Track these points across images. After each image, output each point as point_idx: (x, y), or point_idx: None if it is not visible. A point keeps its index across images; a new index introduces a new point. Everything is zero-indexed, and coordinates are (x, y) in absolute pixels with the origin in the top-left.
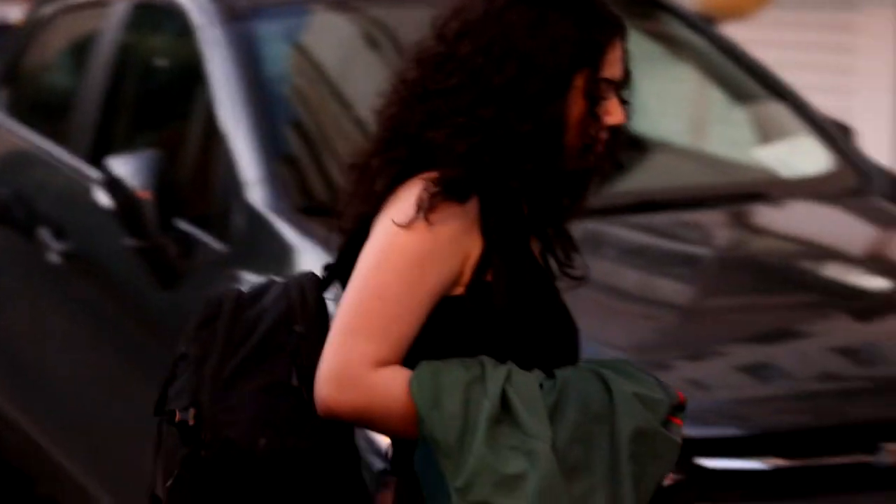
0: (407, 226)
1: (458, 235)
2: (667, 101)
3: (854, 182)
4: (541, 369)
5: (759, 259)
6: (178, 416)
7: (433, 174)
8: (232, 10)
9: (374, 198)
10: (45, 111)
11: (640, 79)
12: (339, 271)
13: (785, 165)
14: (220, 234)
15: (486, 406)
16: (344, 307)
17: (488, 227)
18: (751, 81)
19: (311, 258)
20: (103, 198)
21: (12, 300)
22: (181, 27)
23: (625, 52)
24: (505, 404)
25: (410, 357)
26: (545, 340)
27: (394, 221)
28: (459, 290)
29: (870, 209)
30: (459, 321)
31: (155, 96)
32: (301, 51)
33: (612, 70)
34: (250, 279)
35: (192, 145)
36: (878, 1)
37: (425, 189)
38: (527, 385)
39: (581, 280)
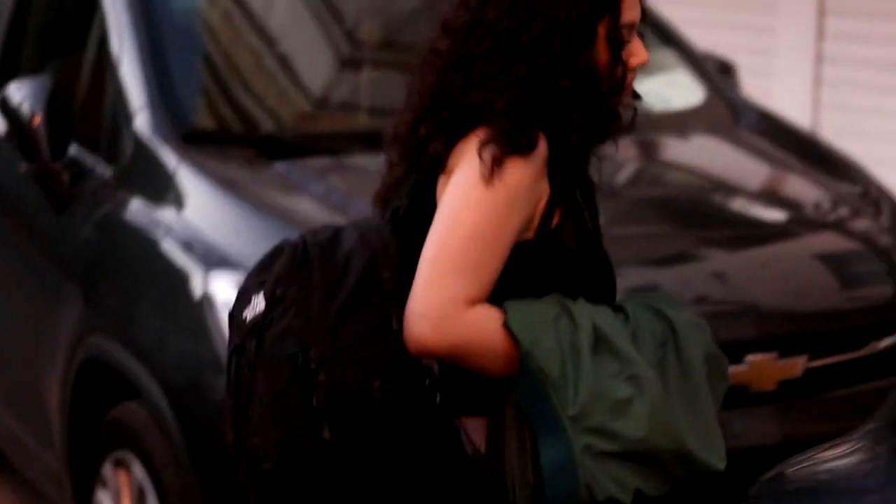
0: (486, 179)
1: (531, 182)
2: None
3: (723, 116)
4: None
5: (624, 190)
6: (300, 360)
7: (489, 130)
8: None
9: (435, 159)
10: None
11: None
12: (408, 221)
13: (658, 99)
14: (109, 159)
15: (584, 338)
16: (433, 248)
17: (555, 173)
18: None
19: (190, 184)
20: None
21: None
22: None
23: None
24: (598, 336)
25: (490, 298)
26: (604, 278)
27: (470, 176)
28: (529, 235)
29: (736, 141)
30: (532, 263)
31: (58, 24)
32: None
33: (630, 14)
34: (136, 204)
35: (87, 72)
36: None
37: (491, 147)
38: (608, 317)
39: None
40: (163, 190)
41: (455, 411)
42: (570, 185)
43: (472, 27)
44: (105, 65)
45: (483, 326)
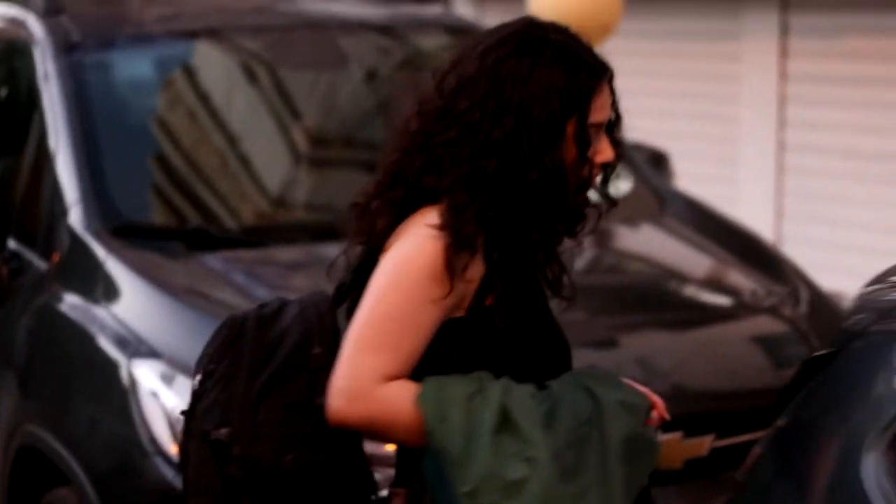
0: (413, 260)
1: (463, 265)
2: None
3: (650, 204)
4: (535, 382)
5: None
6: (212, 435)
7: (434, 215)
8: (65, 43)
9: (378, 234)
10: None
11: None
12: (347, 296)
13: None
14: (44, 253)
15: (488, 418)
16: (356, 325)
17: (491, 258)
18: None
19: (118, 276)
20: None
21: None
22: (27, 58)
23: (613, 94)
24: (504, 416)
25: (416, 373)
26: (540, 356)
27: (399, 255)
28: (460, 313)
29: (660, 227)
30: (461, 341)
31: (2, 122)
32: (132, 79)
33: (599, 114)
34: (70, 297)
35: (26, 169)
36: (760, 30)
37: (427, 232)
38: (522, 397)
39: (571, 300)
40: (94, 282)
41: (395, 481)
42: (508, 269)
43: (442, 114)
44: (42, 162)
45: (396, 402)
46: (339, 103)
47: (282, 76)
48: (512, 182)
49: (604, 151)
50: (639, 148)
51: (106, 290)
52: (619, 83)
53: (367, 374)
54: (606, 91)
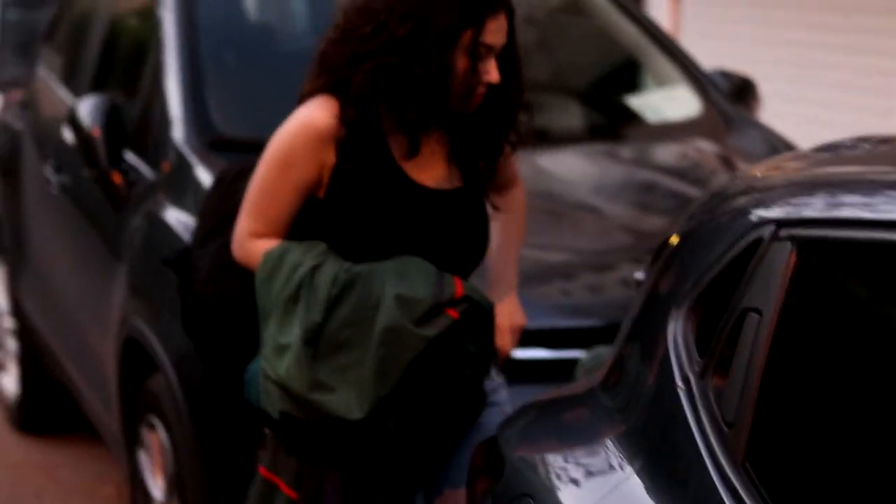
0: (278, 137)
1: (305, 149)
2: (578, 53)
3: (716, 125)
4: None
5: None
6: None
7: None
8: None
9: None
10: (68, 63)
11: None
12: None
13: (653, 111)
14: (153, 164)
15: (287, 288)
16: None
17: (341, 145)
18: (648, 42)
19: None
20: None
21: (38, 227)
22: None
23: (510, 29)
24: (299, 288)
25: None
26: (383, 243)
27: (276, 133)
28: (320, 194)
29: (724, 146)
30: (316, 218)
31: (135, 48)
32: (240, 7)
33: (492, 37)
34: (170, 205)
35: (144, 87)
36: None
37: (297, 124)
38: (325, 275)
39: (496, 209)
40: (189, 192)
41: None
42: (359, 160)
43: (362, 11)
44: (156, 80)
45: (256, 254)
46: None
47: None
48: (403, 75)
49: (490, 72)
50: (725, 75)
51: (196, 199)
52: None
53: (242, 230)
54: (503, 21)
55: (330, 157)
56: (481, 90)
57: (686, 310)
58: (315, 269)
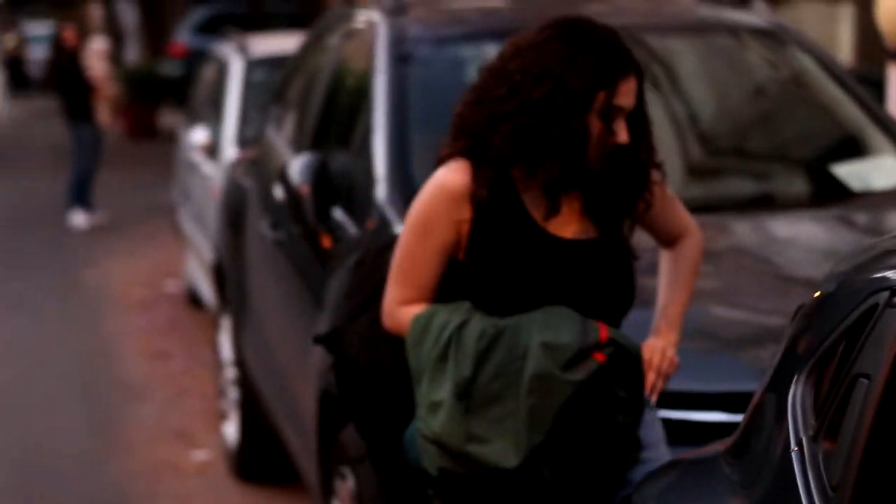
0: (416, 203)
1: (442, 210)
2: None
3: None
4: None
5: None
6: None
7: (447, 168)
8: (398, 39)
9: None
10: (293, 122)
11: None
12: None
13: (858, 179)
14: (359, 223)
15: (436, 348)
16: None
17: (476, 204)
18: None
19: None
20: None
21: (255, 281)
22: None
23: (640, 91)
24: (448, 347)
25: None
26: (525, 298)
27: (415, 200)
28: (459, 256)
29: None
30: (458, 280)
31: (350, 108)
32: (451, 74)
33: (624, 99)
34: None
35: (355, 147)
36: None
37: (433, 189)
38: (471, 333)
39: (636, 258)
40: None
41: None
42: (497, 219)
43: (498, 73)
44: (366, 141)
45: (405, 321)
46: (728, 110)
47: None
48: (542, 137)
49: (620, 133)
50: None
51: None
52: None
53: (390, 299)
54: (633, 84)
55: (465, 217)
56: (610, 150)
57: (807, 373)
58: (462, 326)
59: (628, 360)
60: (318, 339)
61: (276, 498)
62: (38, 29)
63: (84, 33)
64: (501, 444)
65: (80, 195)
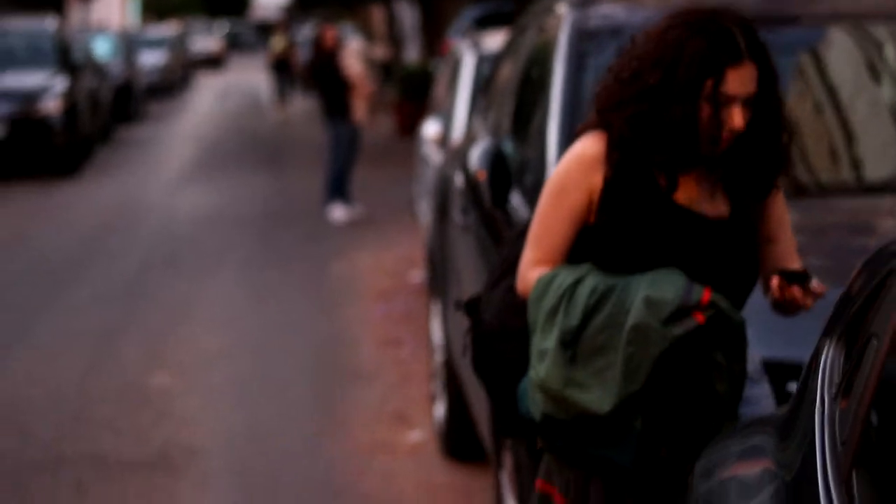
0: (555, 173)
1: (578, 176)
2: None
3: None
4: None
5: None
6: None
7: (584, 141)
8: (580, 31)
9: None
10: (492, 112)
11: None
12: None
13: None
14: (532, 206)
15: (546, 304)
16: None
17: (609, 168)
18: None
19: None
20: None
21: (453, 267)
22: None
23: (762, 76)
24: (560, 301)
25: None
26: (643, 262)
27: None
28: (590, 220)
29: None
30: (588, 243)
31: (536, 95)
32: None
33: (734, 87)
34: None
35: (534, 133)
36: None
37: (570, 161)
38: (584, 288)
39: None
40: None
41: None
42: (625, 186)
43: (626, 58)
44: (542, 129)
45: (533, 282)
46: None
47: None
48: (654, 122)
49: (734, 119)
50: None
51: None
52: None
53: (525, 262)
54: (748, 71)
55: (598, 183)
56: (726, 136)
57: (838, 336)
58: (577, 283)
59: (730, 329)
60: (459, 305)
61: (480, 476)
62: (308, 31)
63: (367, 37)
64: (599, 391)
65: (338, 190)
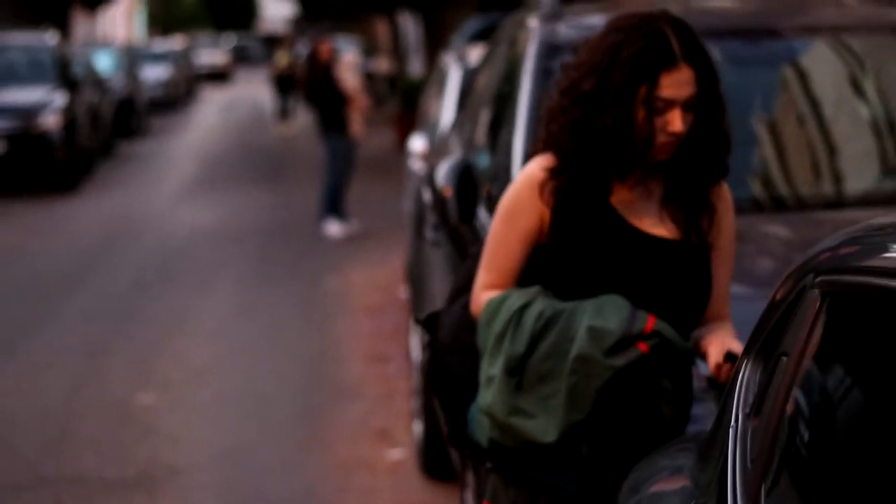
0: (506, 194)
1: (525, 199)
2: None
3: None
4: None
5: None
6: (420, 319)
7: (535, 162)
8: (547, 46)
9: None
10: (464, 126)
11: None
12: None
13: None
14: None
15: (494, 328)
16: None
17: (558, 192)
18: None
19: None
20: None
21: (427, 282)
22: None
23: (705, 81)
24: (507, 327)
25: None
26: (593, 282)
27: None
28: (542, 241)
29: None
30: (540, 264)
31: (504, 109)
32: None
33: (670, 91)
34: None
35: (501, 148)
36: None
37: (521, 180)
38: (531, 314)
39: (710, 244)
40: None
41: None
42: (574, 202)
43: (566, 69)
44: (505, 143)
45: (484, 304)
46: None
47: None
48: (587, 128)
49: (672, 123)
50: None
51: None
52: None
53: (478, 284)
54: (684, 74)
55: (547, 204)
56: (663, 139)
57: (755, 354)
58: (524, 307)
59: (675, 354)
60: (418, 321)
61: (457, 495)
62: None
63: (371, 49)
64: (543, 419)
65: (333, 205)
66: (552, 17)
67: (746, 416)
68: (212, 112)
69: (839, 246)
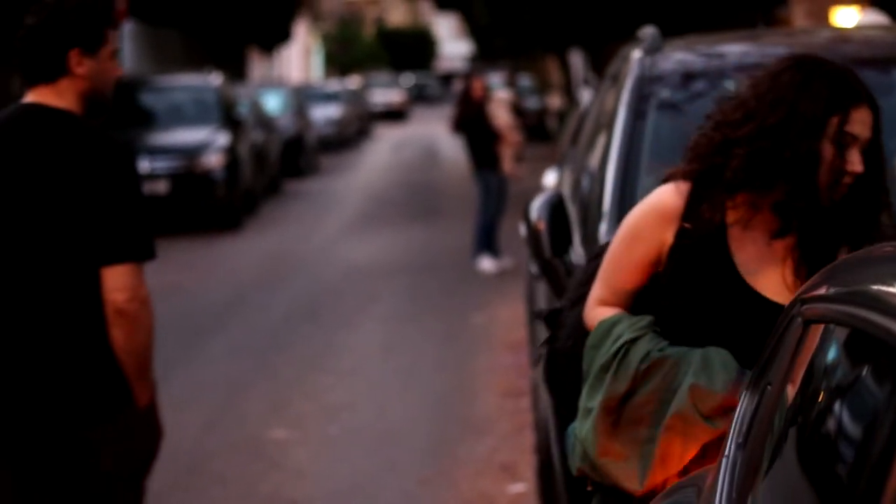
0: (631, 215)
1: (650, 227)
2: None
3: None
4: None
5: None
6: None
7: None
8: (645, 78)
9: None
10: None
11: None
12: None
13: None
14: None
15: (600, 357)
16: None
17: (681, 228)
18: None
19: None
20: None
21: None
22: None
23: (874, 122)
24: (613, 358)
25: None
26: (706, 334)
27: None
28: (659, 269)
29: None
30: (653, 291)
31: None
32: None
33: (857, 128)
34: None
35: (597, 182)
36: None
37: (646, 206)
38: (638, 351)
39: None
40: None
41: None
42: (700, 252)
43: (735, 104)
44: (601, 178)
45: (594, 322)
46: None
47: None
48: (775, 159)
49: (854, 162)
50: None
51: None
52: None
53: (592, 298)
54: (866, 113)
55: (669, 237)
56: (847, 179)
57: (752, 384)
58: (632, 343)
59: None
60: (539, 315)
61: None
62: (494, 79)
63: (544, 87)
64: (633, 464)
65: (487, 241)
66: (652, 50)
67: (738, 447)
68: (383, 150)
69: (825, 273)
